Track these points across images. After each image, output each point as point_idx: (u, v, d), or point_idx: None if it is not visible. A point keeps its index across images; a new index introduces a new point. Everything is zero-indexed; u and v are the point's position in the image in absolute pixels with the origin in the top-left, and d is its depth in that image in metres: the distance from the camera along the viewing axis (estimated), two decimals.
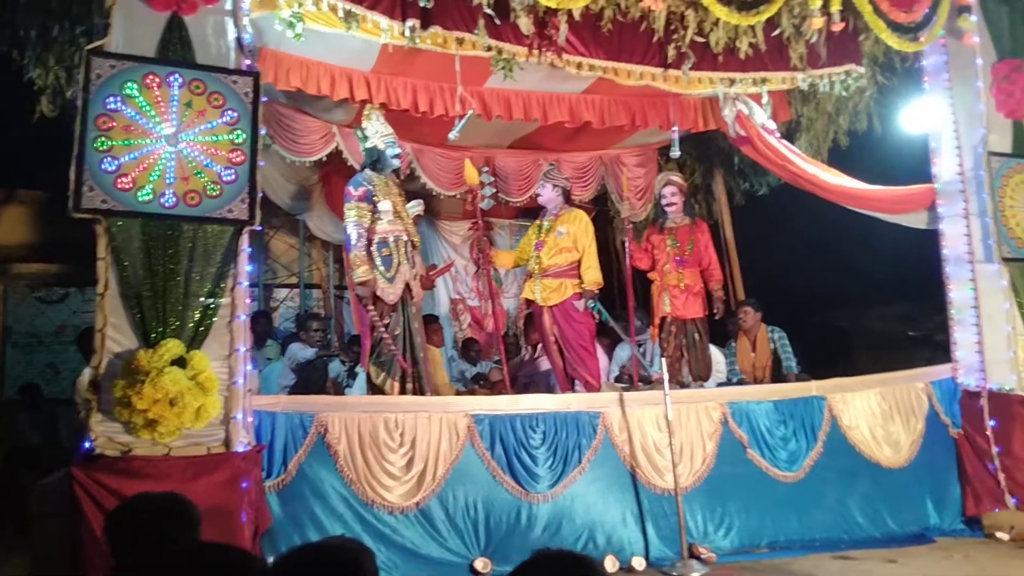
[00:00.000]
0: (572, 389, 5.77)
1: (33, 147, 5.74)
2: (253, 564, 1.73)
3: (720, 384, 6.45)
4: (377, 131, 5.23)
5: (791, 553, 4.83)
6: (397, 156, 5.29)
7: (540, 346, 6.50)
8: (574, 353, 5.81)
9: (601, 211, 8.53)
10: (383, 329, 5.05)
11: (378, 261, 5.12)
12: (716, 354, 6.61)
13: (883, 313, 10.48)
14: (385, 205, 5.13)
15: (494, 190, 7.28)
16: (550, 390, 6.17)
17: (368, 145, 5.26)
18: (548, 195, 6.02)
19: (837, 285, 9.52)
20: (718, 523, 4.89)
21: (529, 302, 6.10)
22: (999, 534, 5.19)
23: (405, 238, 5.23)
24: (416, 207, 5.53)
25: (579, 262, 5.82)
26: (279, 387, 6.29)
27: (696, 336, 6.11)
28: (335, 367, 6.31)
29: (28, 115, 5.22)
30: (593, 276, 5.77)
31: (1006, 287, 5.44)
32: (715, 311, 6.19)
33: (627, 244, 6.21)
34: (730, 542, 4.86)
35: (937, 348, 6.21)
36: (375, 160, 5.24)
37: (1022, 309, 5.45)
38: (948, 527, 5.37)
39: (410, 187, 6.94)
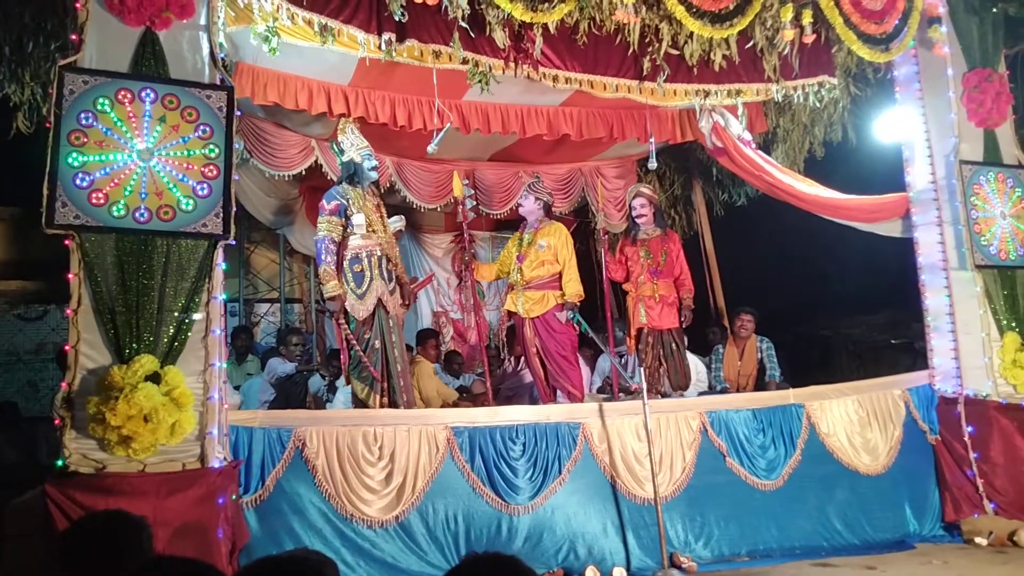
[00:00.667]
0: (554, 400, 5.78)
1: (10, 163, 5.72)
2: None
3: (702, 393, 6.47)
4: (353, 144, 5.21)
5: (771, 561, 4.85)
6: (374, 168, 5.26)
7: (523, 358, 6.51)
8: (555, 364, 5.83)
9: (582, 223, 8.58)
10: (356, 343, 5.02)
11: (349, 277, 5.05)
12: (696, 363, 6.63)
13: (865, 321, 10.53)
14: (359, 219, 5.07)
15: (475, 202, 7.31)
16: (534, 401, 6.18)
17: (345, 159, 5.23)
18: (530, 207, 6.05)
19: (818, 294, 9.58)
20: (698, 532, 4.89)
21: (511, 314, 6.14)
22: (978, 539, 5.22)
23: (379, 253, 5.14)
24: (397, 223, 5.52)
25: (560, 274, 5.85)
26: (259, 402, 6.24)
27: (673, 346, 6.13)
28: (315, 382, 6.29)
29: (4, 131, 5.21)
30: (574, 288, 5.80)
31: (980, 294, 5.49)
32: (683, 319, 6.19)
33: (603, 256, 6.25)
34: (710, 551, 4.86)
35: (918, 355, 6.24)
36: (352, 173, 5.21)
37: (996, 315, 5.50)
38: (927, 533, 5.39)
39: (391, 200, 6.95)
